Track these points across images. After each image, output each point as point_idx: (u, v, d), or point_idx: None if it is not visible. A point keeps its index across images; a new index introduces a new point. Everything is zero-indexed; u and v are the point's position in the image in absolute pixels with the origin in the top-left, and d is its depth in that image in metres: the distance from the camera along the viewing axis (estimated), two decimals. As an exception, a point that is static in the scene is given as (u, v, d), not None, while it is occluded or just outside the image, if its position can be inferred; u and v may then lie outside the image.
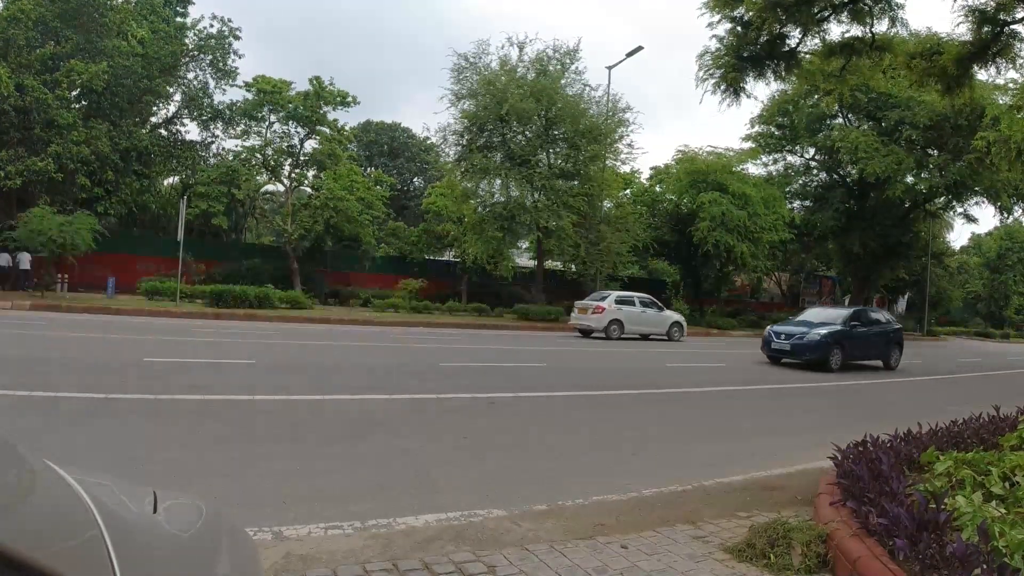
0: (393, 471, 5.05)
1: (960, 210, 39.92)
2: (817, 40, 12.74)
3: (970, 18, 11.97)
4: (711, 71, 13.97)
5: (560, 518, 4.21)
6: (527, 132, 27.95)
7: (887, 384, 14.47)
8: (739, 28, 12.68)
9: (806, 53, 13.06)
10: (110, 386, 7.27)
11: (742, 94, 13.62)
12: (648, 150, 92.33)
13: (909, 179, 35.23)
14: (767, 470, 5.99)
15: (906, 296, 52.99)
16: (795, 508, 5.07)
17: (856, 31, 12.54)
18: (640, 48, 28.02)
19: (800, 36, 12.63)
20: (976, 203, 38.08)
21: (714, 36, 13.17)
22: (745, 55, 12.85)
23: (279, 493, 4.34)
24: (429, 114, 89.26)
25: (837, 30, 12.78)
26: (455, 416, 7.23)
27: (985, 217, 73.64)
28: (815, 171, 41.78)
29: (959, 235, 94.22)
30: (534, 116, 26.45)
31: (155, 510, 1.05)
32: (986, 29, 11.85)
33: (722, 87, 13.48)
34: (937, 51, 12.39)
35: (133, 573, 0.76)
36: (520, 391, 9.18)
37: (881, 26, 12.33)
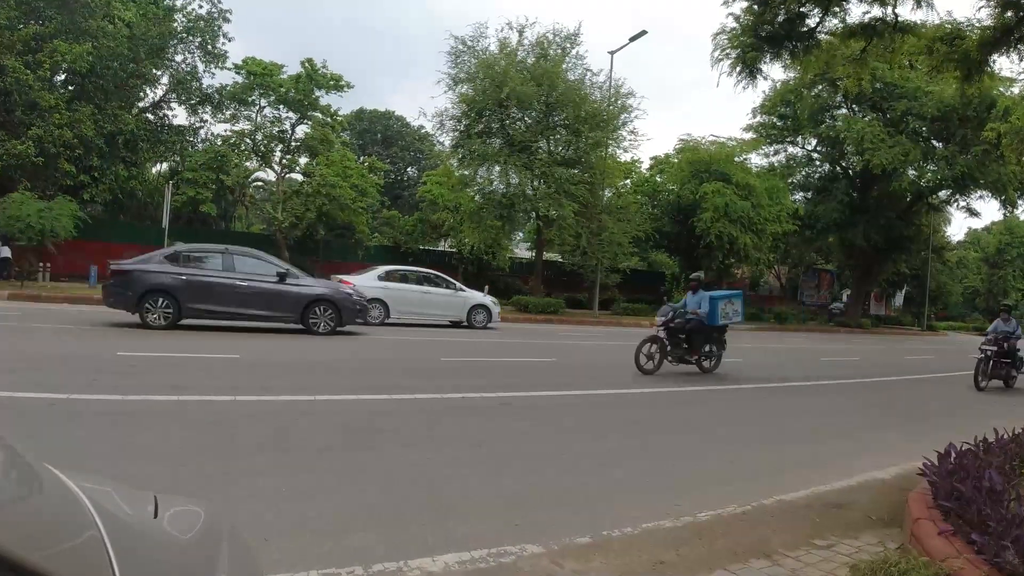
0: (398, 489, 4.23)
1: (963, 204, 39.36)
2: (837, 20, 12.11)
3: (992, 2, 11.30)
4: (726, 51, 13.32)
5: (609, 554, 3.41)
6: (527, 118, 27.04)
7: (911, 382, 13.77)
8: (756, 6, 12.02)
9: (825, 34, 12.41)
10: (75, 385, 6.42)
11: (758, 76, 13.00)
12: (652, 137, 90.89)
13: (913, 172, 34.65)
14: (826, 483, 5.25)
15: (903, 290, 52.52)
16: (875, 532, 4.33)
17: (877, 11, 11.89)
18: (644, 32, 27.13)
19: (820, 16, 11.98)
20: (980, 196, 37.48)
21: (730, 14, 12.51)
22: (763, 35, 12.21)
23: (262, 522, 3.48)
24: (418, 103, 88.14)
25: (858, 11, 12.14)
26: (465, 419, 6.40)
27: (986, 212, 73.36)
28: (817, 162, 41.09)
29: (957, 229, 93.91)
30: (534, 101, 25.55)
31: (156, 514, 1.02)
32: (1009, 14, 11.21)
33: (738, 68, 12.85)
34: (958, 36, 11.76)
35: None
36: (532, 390, 8.37)
37: (904, 8, 11.67)
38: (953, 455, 4.66)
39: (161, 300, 12.31)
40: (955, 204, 39.97)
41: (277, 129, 29.91)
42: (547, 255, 32.03)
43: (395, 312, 17.40)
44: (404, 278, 18.84)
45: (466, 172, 27.87)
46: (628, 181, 35.47)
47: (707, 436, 6.75)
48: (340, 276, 17.89)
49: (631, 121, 28.48)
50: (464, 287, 19.61)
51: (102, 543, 0.76)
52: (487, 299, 19.34)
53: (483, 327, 18.55)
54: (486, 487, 4.48)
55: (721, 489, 4.86)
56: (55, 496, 0.82)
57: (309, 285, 14.02)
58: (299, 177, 31.58)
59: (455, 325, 18.47)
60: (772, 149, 40.46)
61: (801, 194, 40.89)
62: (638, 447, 6.02)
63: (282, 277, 13.48)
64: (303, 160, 31.38)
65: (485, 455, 5.27)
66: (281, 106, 29.51)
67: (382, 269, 18.68)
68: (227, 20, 28.23)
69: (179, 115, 57.54)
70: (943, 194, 38.58)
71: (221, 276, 12.93)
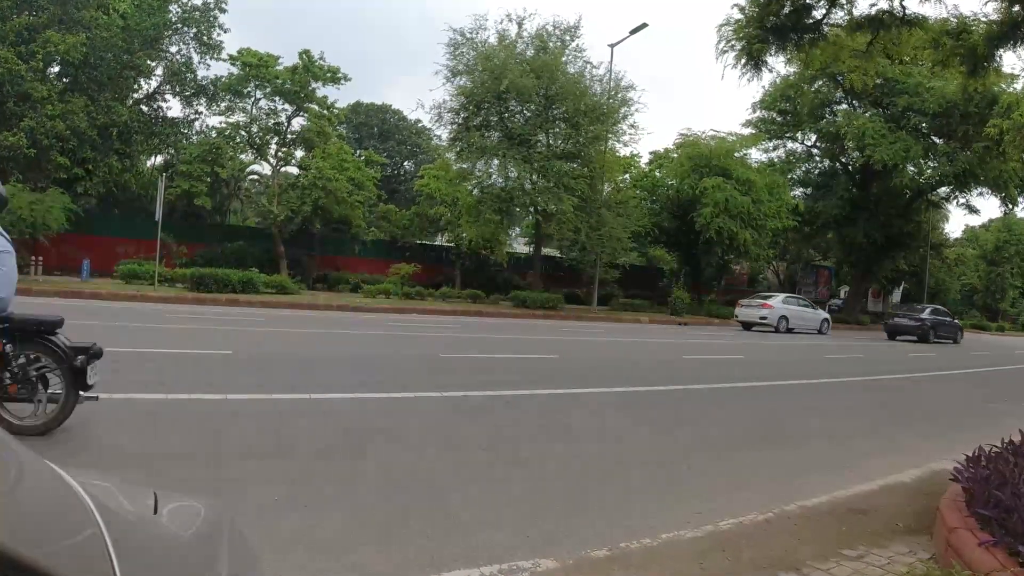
0: (401, 498, 3.96)
1: (963, 201, 39.18)
2: (843, 13, 11.90)
3: (1000, -5, 11.11)
4: (731, 43, 13.13)
5: (628, 568, 3.16)
6: (526, 111, 26.72)
7: (919, 380, 13.56)
8: (762, -2, 11.78)
9: (832, 25, 12.20)
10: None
11: (763, 68, 12.80)
12: (652, 131, 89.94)
13: (913, 168, 34.47)
14: (847, 488, 4.99)
15: (901, 287, 52.39)
16: (904, 541, 4.09)
17: (884, 4, 11.68)
18: (644, 25, 26.81)
19: (826, 7, 11.77)
20: (980, 193, 37.35)
21: (735, 5, 12.31)
22: (768, 26, 11.99)
23: (254, 536, 3.22)
24: (414, 98, 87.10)
25: (864, 3, 11.96)
26: (467, 419, 6.14)
27: (986, 209, 73.16)
28: (817, 158, 40.87)
29: (955, 227, 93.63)
30: (533, 94, 25.21)
31: (156, 510, 1.02)
32: (1016, 8, 11.03)
33: (743, 60, 12.65)
34: (965, 30, 11.59)
35: (133, 573, 0.75)
36: (536, 387, 8.11)
37: (911, 1, 11.49)
38: (983, 459, 4.43)
39: (911, 336, 27.87)
40: (955, 201, 39.85)
41: (273, 121, 29.53)
42: (545, 250, 31.77)
43: (792, 325, 26.64)
44: (793, 301, 28.42)
45: (464, 166, 27.56)
46: (627, 176, 35.19)
47: (716, 437, 6.51)
48: (761, 300, 27.60)
49: (631, 115, 28.24)
50: (816, 306, 30.72)
51: (102, 540, 0.75)
52: (827, 314, 29.50)
53: (826, 333, 27.90)
54: (492, 493, 4.22)
55: (738, 494, 4.63)
56: (54, 492, 0.81)
57: (946, 315, 30.37)
58: (295, 170, 31.22)
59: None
60: (772, 144, 40.26)
61: (801, 190, 40.67)
62: (648, 449, 5.77)
63: (938, 314, 29.44)
64: (299, 153, 31.02)
65: (489, 458, 5.01)
66: (277, 97, 29.13)
67: (784, 295, 29.13)
68: (223, 10, 27.81)
69: (173, 107, 56.98)
70: (943, 191, 38.42)
71: (929, 318, 28.61)
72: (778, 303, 26.99)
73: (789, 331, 26.41)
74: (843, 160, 39.18)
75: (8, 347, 4.53)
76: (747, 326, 26.98)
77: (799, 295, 32.58)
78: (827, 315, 29.46)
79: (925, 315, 28.98)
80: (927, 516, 4.38)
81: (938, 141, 34.32)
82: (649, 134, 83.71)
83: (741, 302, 28.66)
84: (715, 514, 4.09)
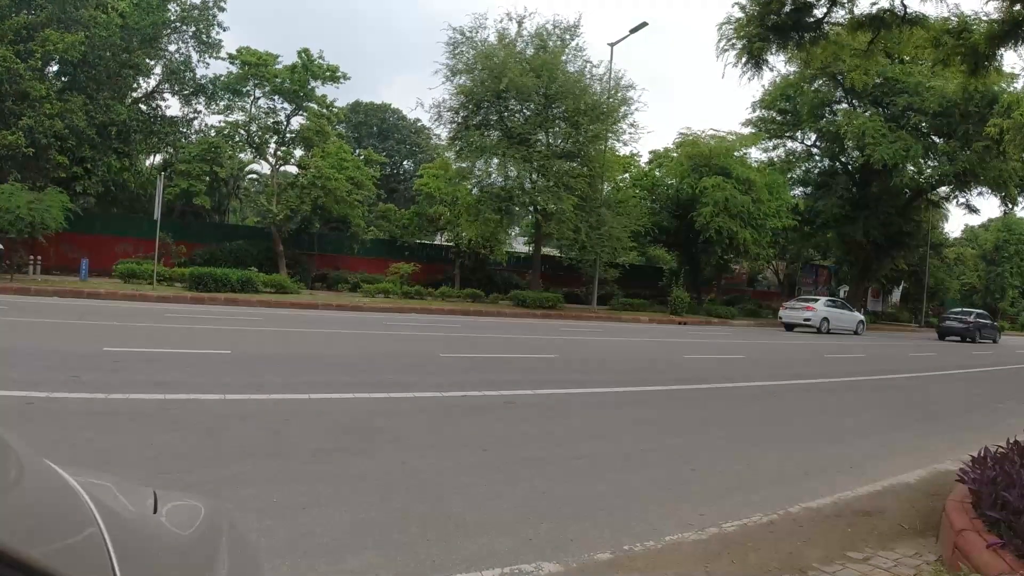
0: (401, 501, 3.91)
1: (963, 200, 39.16)
2: (844, 12, 11.89)
3: (1002, -6, 11.11)
4: (732, 41, 13.15)
5: (632, 572, 3.12)
6: (526, 110, 26.66)
7: (922, 379, 13.53)
8: (763, -4, 11.76)
9: (833, 24, 12.19)
10: (53, 382, 6.07)
11: (764, 67, 12.81)
12: (652, 130, 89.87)
13: (912, 168, 34.44)
14: (851, 489, 4.96)
15: (901, 287, 52.34)
16: (910, 543, 4.06)
17: (885, 2, 11.66)
18: (644, 24, 26.80)
19: (827, 6, 11.76)
20: (980, 193, 37.34)
21: (736, 4, 12.33)
22: (769, 25, 11.98)
23: (254, 537, 3.18)
24: (413, 97, 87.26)
25: (865, 1, 11.97)
26: (467, 420, 6.09)
27: (986, 208, 73.14)
28: (817, 157, 40.81)
29: (954, 226, 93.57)
30: (533, 93, 25.16)
31: (155, 510, 1.02)
32: (1017, 7, 11.02)
33: (744, 59, 12.65)
34: (966, 29, 11.57)
35: (133, 572, 0.75)
36: (537, 387, 8.06)
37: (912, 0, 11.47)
38: (989, 460, 4.38)
39: (956, 337, 31.60)
40: (955, 200, 39.84)
41: (272, 120, 29.44)
42: (545, 250, 31.72)
43: (832, 326, 28.35)
44: (833, 304, 30.40)
45: (464, 164, 27.51)
46: (627, 175, 35.14)
47: (717, 437, 6.46)
48: (804, 303, 29.39)
49: (631, 114, 28.22)
50: (853, 308, 32.91)
51: (102, 539, 0.74)
52: (862, 316, 31.97)
53: (861, 334, 29.86)
54: (493, 496, 4.16)
55: (741, 496, 4.58)
56: (54, 491, 0.79)
57: (988, 318, 34.44)
58: (294, 169, 31.15)
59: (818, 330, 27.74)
60: (772, 144, 40.22)
61: (800, 189, 40.66)
62: (650, 450, 5.72)
63: (981, 318, 33.10)
64: (298, 152, 30.95)
65: (490, 459, 4.94)
66: (276, 96, 29.05)
67: (825, 299, 31.01)
68: (222, 9, 27.74)
69: (172, 106, 56.75)
70: (943, 190, 38.44)
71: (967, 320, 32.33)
72: (820, 306, 28.91)
73: (829, 332, 27.89)
74: (843, 159, 39.14)
75: None
76: (789, 327, 28.43)
77: (836, 298, 35.78)
78: (862, 317, 31.75)
79: (971, 319, 32.66)
80: (933, 517, 4.34)
81: (938, 140, 34.29)
82: (649, 133, 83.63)
83: (785, 304, 30.68)
84: (719, 516, 4.05)
